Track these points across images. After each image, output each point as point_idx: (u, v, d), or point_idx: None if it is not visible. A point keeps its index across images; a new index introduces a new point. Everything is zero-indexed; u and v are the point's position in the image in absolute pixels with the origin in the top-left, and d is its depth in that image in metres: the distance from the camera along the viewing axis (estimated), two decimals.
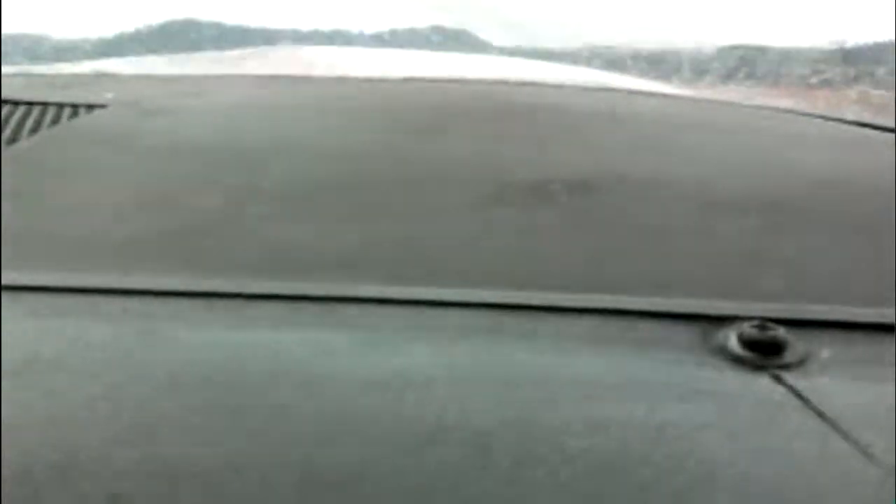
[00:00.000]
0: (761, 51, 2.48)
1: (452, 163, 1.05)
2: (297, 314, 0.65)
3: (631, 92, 1.74)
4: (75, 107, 1.23)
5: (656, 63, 2.53)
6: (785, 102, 1.73)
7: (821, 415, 0.52)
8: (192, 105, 1.28)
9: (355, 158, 1.05)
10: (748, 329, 0.61)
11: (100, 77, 1.60)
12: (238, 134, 1.16)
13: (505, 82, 1.69)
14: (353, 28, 2.75)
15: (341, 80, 1.64)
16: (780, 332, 0.61)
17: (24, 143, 1.08)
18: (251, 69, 1.84)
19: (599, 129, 1.24)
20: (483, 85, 1.67)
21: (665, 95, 1.79)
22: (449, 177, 0.99)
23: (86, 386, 0.52)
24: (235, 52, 2.14)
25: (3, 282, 0.66)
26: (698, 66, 2.41)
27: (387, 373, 0.55)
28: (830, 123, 1.42)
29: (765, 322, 0.62)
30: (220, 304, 0.66)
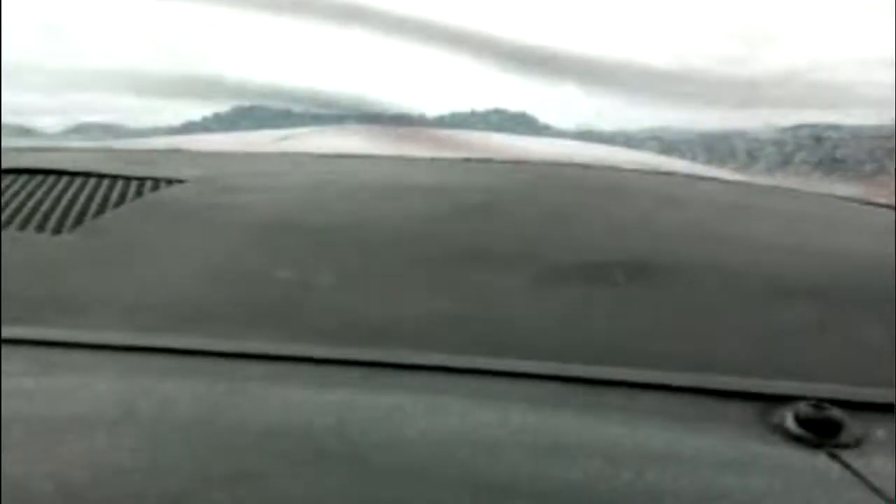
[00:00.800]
0: (816, 136, 2.51)
1: (514, 242, 1.09)
2: (368, 379, 0.68)
3: (688, 176, 1.78)
4: (156, 181, 1.30)
5: (711, 147, 2.57)
6: (840, 188, 1.75)
7: (877, 491, 0.54)
8: (264, 182, 1.34)
9: (420, 235, 1.10)
10: (805, 408, 0.63)
11: (177, 153, 1.67)
12: (310, 210, 1.21)
13: (564, 164, 1.74)
14: (415, 109, 2.83)
15: (408, 160, 1.70)
16: (836, 412, 0.63)
17: (110, 213, 1.14)
18: (316, 147, 1.91)
19: (657, 212, 1.28)
20: (543, 166, 1.72)
21: (720, 180, 1.82)
22: (510, 256, 1.03)
23: (181, 435, 0.56)
24: (305, 130, 2.22)
25: (92, 340, 0.71)
26: (753, 151, 2.44)
27: (456, 435, 0.58)
28: (882, 210, 1.44)
29: (821, 402, 0.64)
30: (295, 368, 0.70)
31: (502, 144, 2.25)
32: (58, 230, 1.07)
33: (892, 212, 1.45)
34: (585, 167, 1.74)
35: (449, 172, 1.58)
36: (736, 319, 0.86)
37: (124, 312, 0.83)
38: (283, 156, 1.69)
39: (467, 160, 1.77)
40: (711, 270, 0.99)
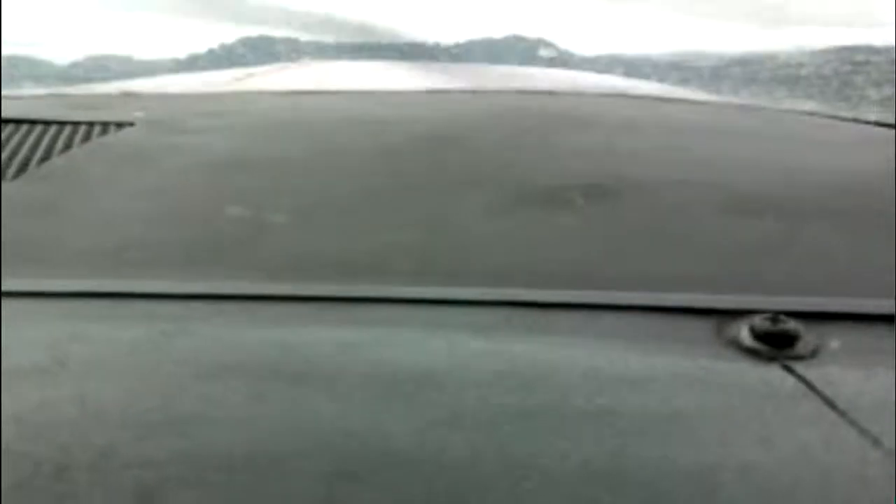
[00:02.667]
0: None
1: (473, 169, 1.07)
2: (321, 314, 0.67)
3: (653, 98, 1.76)
4: (105, 125, 1.27)
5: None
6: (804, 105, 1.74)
7: (830, 404, 0.53)
8: (216, 123, 1.31)
9: (377, 168, 1.08)
10: (760, 322, 0.62)
11: (128, 97, 1.63)
12: (261, 148, 1.19)
13: (528, 91, 1.71)
14: (430, 37, 2.77)
15: (363, 94, 1.67)
16: (792, 324, 0.62)
17: (56, 160, 1.11)
18: (277, 84, 1.87)
19: (618, 135, 1.26)
20: (504, 94, 1.69)
21: (686, 101, 1.80)
22: (470, 183, 1.01)
23: (116, 384, 0.54)
24: (267, 67, 2.18)
25: (36, 289, 0.69)
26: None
27: (405, 368, 0.57)
28: (843, 123, 1.43)
29: (777, 315, 0.63)
30: (246, 305, 0.68)
31: (462, 74, 2.21)
32: None
33: (862, 127, 1.44)
34: (550, 93, 1.72)
35: (408, 105, 1.55)
36: (694, 237, 0.85)
37: (68, 259, 0.81)
38: (238, 94, 1.66)
39: (429, 91, 1.74)
40: (670, 190, 0.97)
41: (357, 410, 0.51)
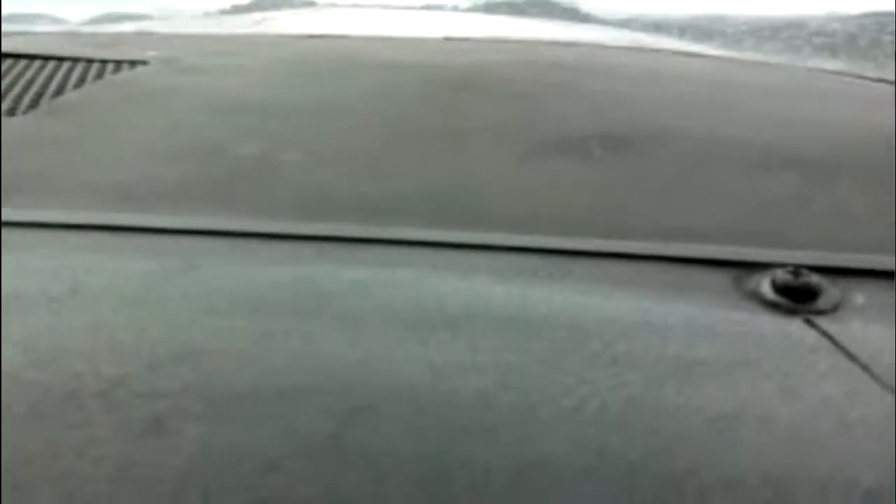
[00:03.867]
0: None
1: (491, 118, 1.05)
2: (334, 253, 0.66)
3: (674, 52, 1.73)
4: (118, 63, 1.25)
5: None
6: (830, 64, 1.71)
7: (853, 358, 0.52)
8: (230, 63, 1.29)
9: (393, 113, 1.06)
10: (782, 275, 0.61)
11: (142, 35, 1.61)
12: (276, 90, 1.17)
13: (547, 42, 1.68)
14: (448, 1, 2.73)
15: (380, 40, 1.64)
16: (814, 278, 0.61)
17: (69, 95, 1.10)
18: (293, 28, 1.85)
19: (638, 86, 1.24)
20: (524, 44, 1.67)
21: (707, 56, 1.77)
22: (488, 131, 1.00)
23: (127, 315, 0.53)
24: (282, 12, 2.15)
25: (48, 220, 0.68)
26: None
27: (420, 309, 0.56)
28: (869, 82, 1.40)
29: (799, 269, 0.61)
30: (258, 243, 0.67)
31: (486, 25, 2.18)
32: (12, 112, 1.03)
33: (884, 85, 1.41)
34: (569, 45, 1.69)
35: (426, 51, 1.53)
36: (714, 190, 0.83)
37: (80, 192, 0.80)
38: (254, 37, 1.64)
39: (447, 39, 1.72)
40: (691, 142, 0.95)
41: (369, 349, 0.50)
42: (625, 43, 1.91)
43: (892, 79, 1.42)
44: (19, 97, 1.08)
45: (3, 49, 1.27)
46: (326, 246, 0.67)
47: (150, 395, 0.45)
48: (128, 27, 1.83)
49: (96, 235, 0.68)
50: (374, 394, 0.46)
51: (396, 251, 0.66)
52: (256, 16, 2.27)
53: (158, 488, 0.39)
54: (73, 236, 0.68)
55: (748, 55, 2.00)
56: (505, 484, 0.40)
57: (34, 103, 1.06)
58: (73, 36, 1.64)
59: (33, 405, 0.44)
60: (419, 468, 0.41)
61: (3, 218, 0.70)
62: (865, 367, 0.51)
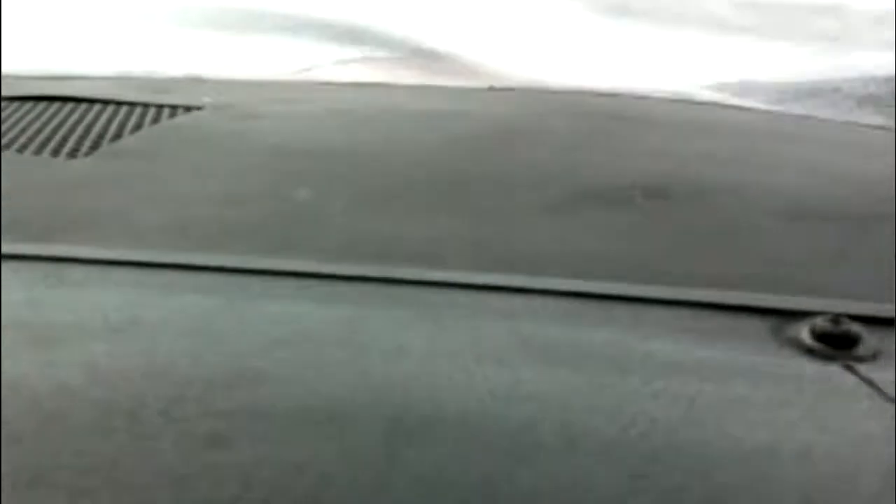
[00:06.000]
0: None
1: (534, 167, 1.07)
2: (377, 294, 0.68)
3: (719, 105, 1.75)
4: (174, 108, 1.29)
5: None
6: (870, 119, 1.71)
7: (891, 400, 0.53)
8: (282, 109, 1.33)
9: (438, 161, 1.09)
10: (821, 323, 0.62)
11: (195, 81, 1.66)
12: (326, 136, 1.20)
13: (588, 92, 1.71)
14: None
15: (426, 88, 1.68)
16: (854, 326, 0.62)
17: (127, 139, 1.14)
18: (341, 76, 1.89)
19: (678, 137, 1.26)
20: (567, 94, 1.69)
21: (751, 109, 1.79)
22: (530, 180, 1.02)
23: (184, 343, 0.56)
24: (328, 61, 2.20)
25: (103, 256, 0.72)
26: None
27: (461, 347, 0.58)
28: None
29: (838, 317, 0.62)
30: (301, 283, 0.69)
31: (530, 75, 2.22)
32: (73, 154, 1.06)
33: None
34: (610, 94, 1.72)
35: (471, 100, 1.56)
36: (754, 239, 0.84)
37: (137, 232, 0.83)
38: (303, 84, 1.68)
39: (491, 88, 1.75)
40: (731, 193, 0.97)
41: (414, 380, 0.52)
42: (667, 93, 1.93)
43: None
44: (80, 140, 1.12)
45: (64, 93, 1.32)
46: (371, 286, 0.69)
47: (209, 414, 0.47)
48: (179, 72, 1.88)
49: (153, 273, 0.71)
50: (420, 420, 0.48)
51: (439, 293, 0.69)
52: (303, 63, 2.32)
53: (214, 501, 0.41)
54: (131, 273, 0.71)
55: (793, 109, 2.02)
56: None
57: (95, 146, 1.10)
58: (127, 80, 1.69)
59: (96, 421, 0.46)
60: (466, 490, 0.43)
61: (65, 254, 0.73)
62: None
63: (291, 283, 0.69)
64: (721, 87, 2.52)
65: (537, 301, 0.67)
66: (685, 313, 0.66)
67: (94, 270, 0.71)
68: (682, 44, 2.87)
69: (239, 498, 0.41)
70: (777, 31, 2.97)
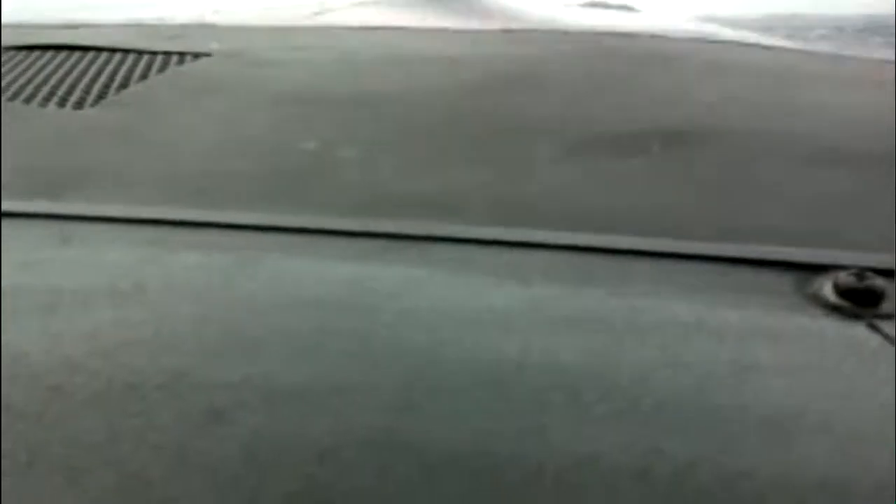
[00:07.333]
0: None
1: (549, 111, 1.05)
2: (390, 251, 0.66)
3: (739, 44, 1.70)
4: (182, 55, 1.27)
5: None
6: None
7: None
8: (291, 56, 1.30)
9: (452, 107, 1.06)
10: (844, 278, 0.60)
11: (204, 27, 1.63)
12: (338, 82, 1.18)
13: (608, 33, 1.67)
14: None
15: (438, 31, 1.64)
16: (878, 281, 0.60)
17: (134, 88, 1.12)
18: (353, 20, 1.85)
19: (697, 80, 1.22)
20: (586, 35, 1.65)
21: (773, 48, 1.74)
22: (546, 125, 0.99)
23: (189, 310, 0.55)
24: (341, 3, 2.16)
25: (109, 213, 0.70)
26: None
27: (470, 309, 0.56)
28: None
29: (862, 271, 0.60)
30: (311, 239, 0.67)
31: (548, 16, 2.17)
32: (79, 105, 1.05)
33: None
34: (629, 35, 1.67)
35: (487, 44, 1.53)
36: (775, 188, 0.82)
37: (145, 185, 0.81)
38: (314, 29, 1.65)
39: (508, 31, 1.71)
40: (753, 138, 0.94)
41: (421, 347, 0.51)
42: (686, 33, 1.88)
43: None
44: (87, 90, 1.10)
45: (70, 42, 1.30)
46: (381, 243, 0.68)
47: (210, 387, 0.46)
48: (189, 18, 1.85)
49: (160, 230, 0.70)
50: (424, 391, 0.46)
51: (452, 249, 0.67)
52: (315, 6, 2.27)
53: (215, 475, 0.40)
54: (137, 231, 0.69)
55: (819, 46, 1.96)
56: (555, 481, 0.40)
57: (101, 96, 1.08)
58: (136, 27, 1.66)
59: (97, 394, 0.45)
60: (469, 462, 0.41)
61: (71, 211, 0.72)
62: None
63: (300, 240, 0.67)
64: (710, 19, 2.48)
65: (552, 258, 0.65)
66: (705, 268, 0.64)
67: (100, 228, 0.69)
68: None
69: (237, 473, 0.40)
70: None
